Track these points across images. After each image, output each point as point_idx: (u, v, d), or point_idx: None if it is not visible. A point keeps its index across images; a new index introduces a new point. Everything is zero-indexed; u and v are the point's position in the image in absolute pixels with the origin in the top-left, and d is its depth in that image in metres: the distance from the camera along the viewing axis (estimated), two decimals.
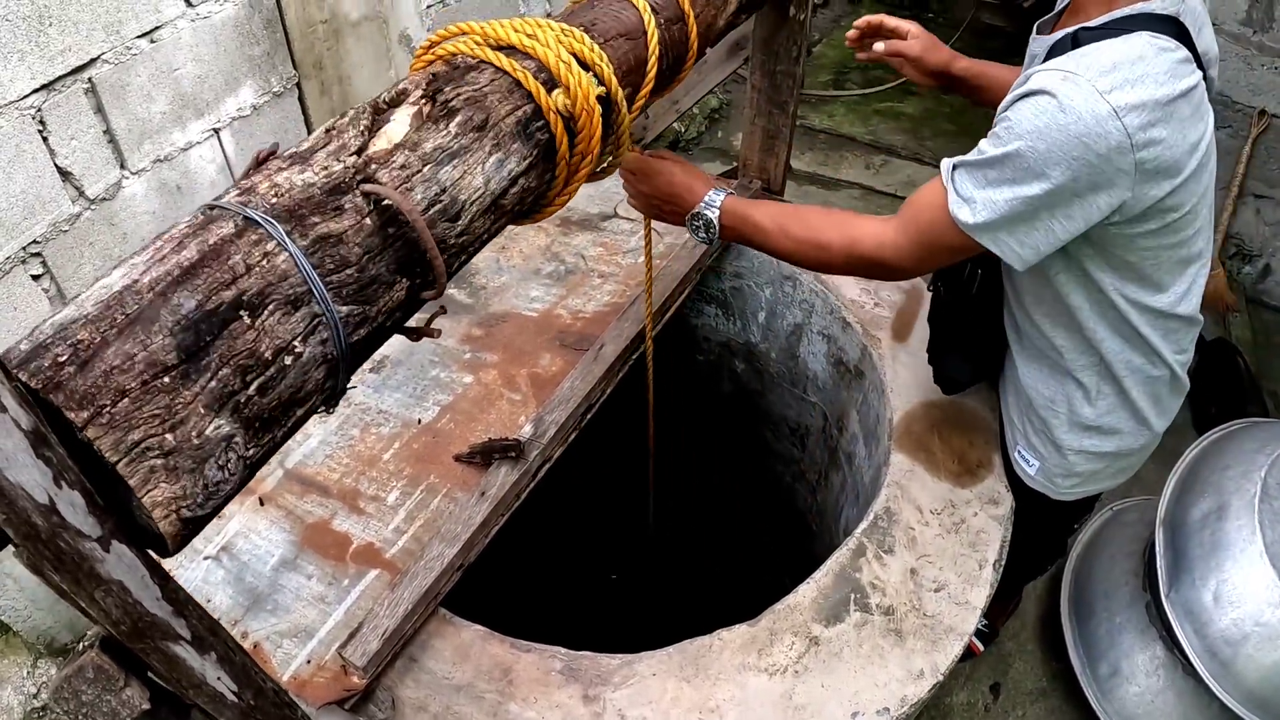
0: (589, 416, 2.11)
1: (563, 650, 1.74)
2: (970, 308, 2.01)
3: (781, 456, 3.22)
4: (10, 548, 0.78)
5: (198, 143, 2.75)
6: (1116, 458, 1.99)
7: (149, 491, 0.78)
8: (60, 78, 2.30)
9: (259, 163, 0.97)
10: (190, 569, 1.89)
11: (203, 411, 0.80)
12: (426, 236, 0.91)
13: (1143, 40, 1.45)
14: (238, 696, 0.99)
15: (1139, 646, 2.66)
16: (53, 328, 0.77)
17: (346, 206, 0.90)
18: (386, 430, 2.15)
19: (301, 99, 3.06)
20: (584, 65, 1.20)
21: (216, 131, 2.80)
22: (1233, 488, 2.47)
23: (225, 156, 2.86)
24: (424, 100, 1.04)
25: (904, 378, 2.33)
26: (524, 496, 1.94)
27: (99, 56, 2.38)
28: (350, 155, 0.95)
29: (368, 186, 0.91)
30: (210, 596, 1.85)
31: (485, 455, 1.97)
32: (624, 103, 1.24)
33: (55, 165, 2.36)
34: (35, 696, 2.76)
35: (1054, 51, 1.57)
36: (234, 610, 1.82)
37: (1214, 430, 2.77)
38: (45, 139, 2.32)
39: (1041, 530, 2.29)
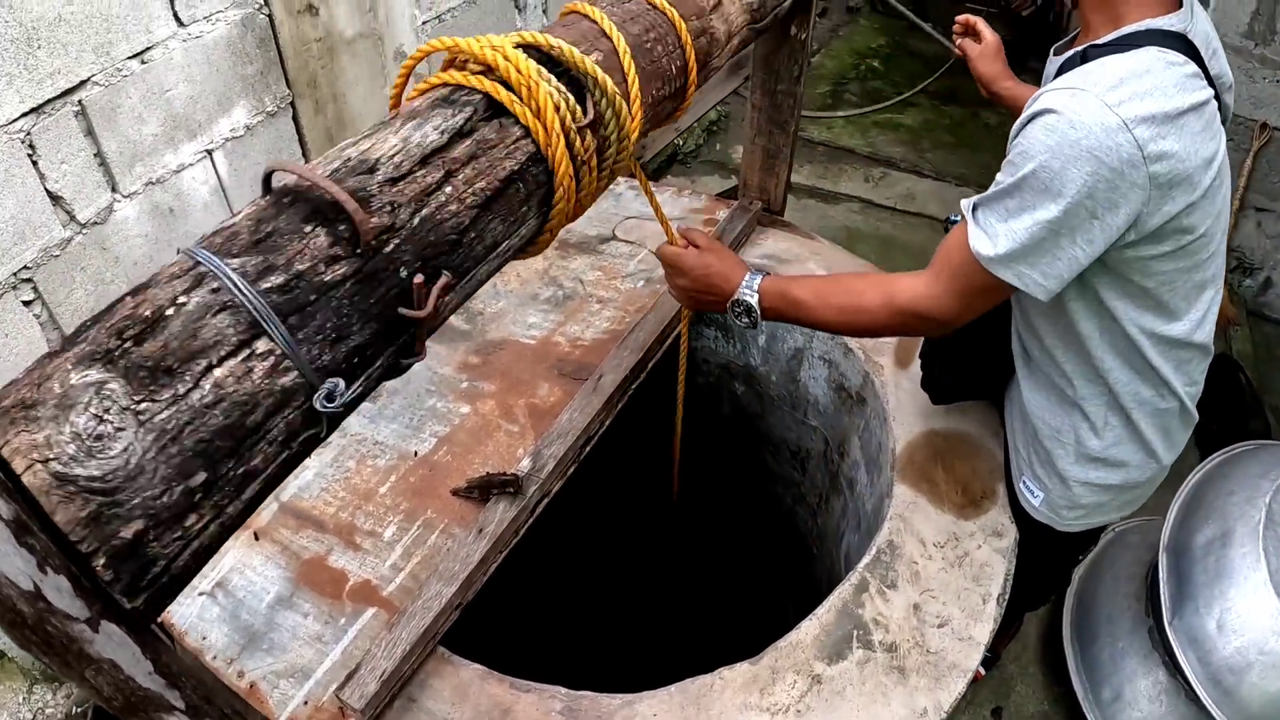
0: (588, 449, 2.08)
1: (563, 690, 1.72)
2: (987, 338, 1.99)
3: (782, 479, 3.20)
4: None
5: (190, 164, 2.73)
6: (1123, 490, 1.96)
7: (13, 439, 0.73)
8: (50, 100, 2.29)
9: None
10: (185, 605, 1.86)
11: (69, 367, 0.77)
12: (325, 182, 0.87)
13: (1150, 54, 1.44)
14: None
15: (1142, 672, 2.64)
16: None
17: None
18: (383, 462, 2.13)
19: (296, 118, 3.04)
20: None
21: (210, 153, 2.78)
22: (1237, 514, 2.45)
23: (219, 178, 2.84)
24: None
25: (907, 405, 2.30)
26: (522, 533, 1.92)
27: (89, 78, 2.36)
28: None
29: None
30: (206, 634, 1.82)
31: (483, 490, 1.94)
32: (601, 77, 1.19)
33: (45, 189, 2.35)
34: None
35: (1064, 69, 1.56)
36: (230, 649, 1.79)
37: (1218, 454, 2.75)
38: (35, 163, 2.30)
39: (1045, 561, 2.25)
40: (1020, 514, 2.09)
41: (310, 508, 2.04)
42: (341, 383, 0.86)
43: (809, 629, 1.82)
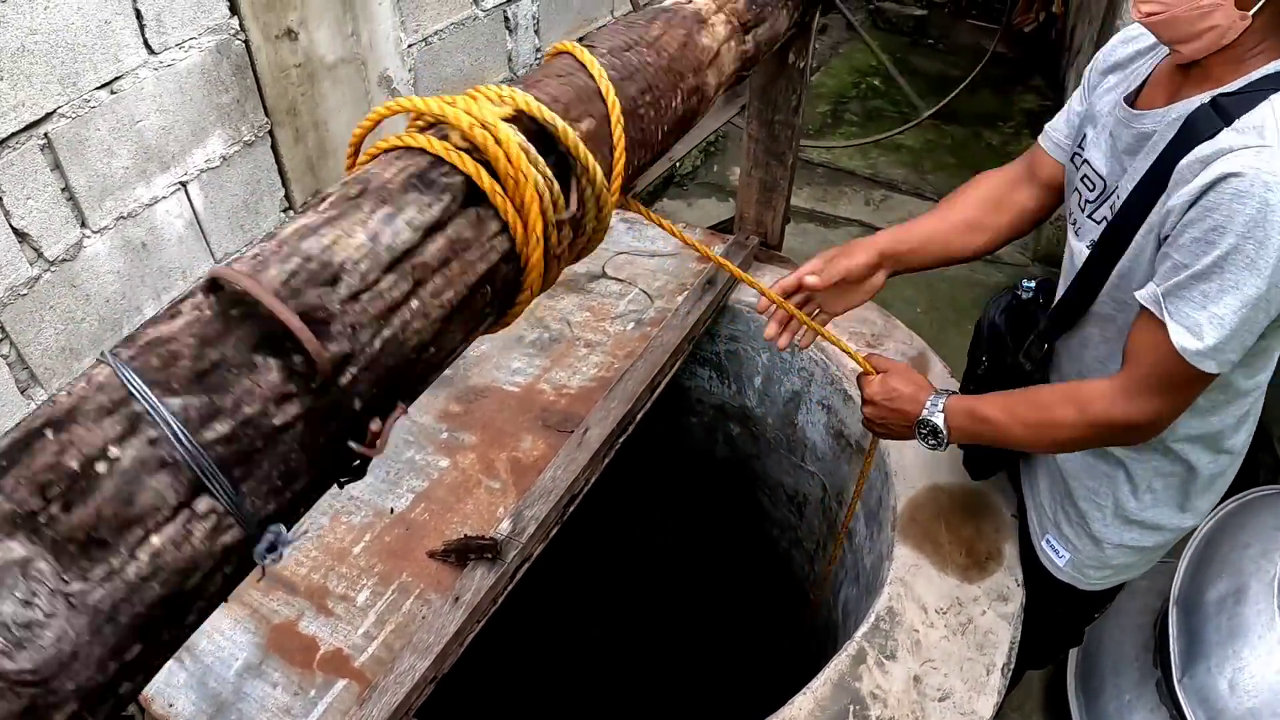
0: (572, 509, 1.99)
1: None
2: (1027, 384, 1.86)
3: (778, 522, 3.12)
4: None
5: (164, 197, 2.67)
6: (1154, 550, 1.89)
7: None
8: (13, 134, 2.23)
9: None
10: None
11: None
12: (279, 310, 0.77)
13: None
14: None
15: None
16: None
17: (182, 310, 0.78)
18: (357, 520, 2.04)
19: (275, 147, 2.98)
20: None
21: (184, 185, 2.72)
22: (1252, 568, 2.36)
23: (194, 210, 2.77)
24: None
25: (909, 458, 2.21)
26: (501, 601, 1.82)
27: (55, 110, 2.30)
28: None
29: (210, 276, 0.79)
30: (173, 700, 1.74)
31: (460, 554, 1.85)
32: (577, 145, 1.07)
33: (11, 226, 2.28)
34: None
35: (1196, 124, 1.42)
36: (197, 717, 1.71)
37: (1231, 500, 2.65)
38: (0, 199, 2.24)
39: (1061, 620, 2.19)
40: (1039, 572, 2.00)
41: (281, 568, 1.95)
42: (284, 529, 0.77)
43: (803, 704, 1.73)
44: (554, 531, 1.94)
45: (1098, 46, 1.91)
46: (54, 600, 0.67)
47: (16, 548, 0.66)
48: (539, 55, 4.12)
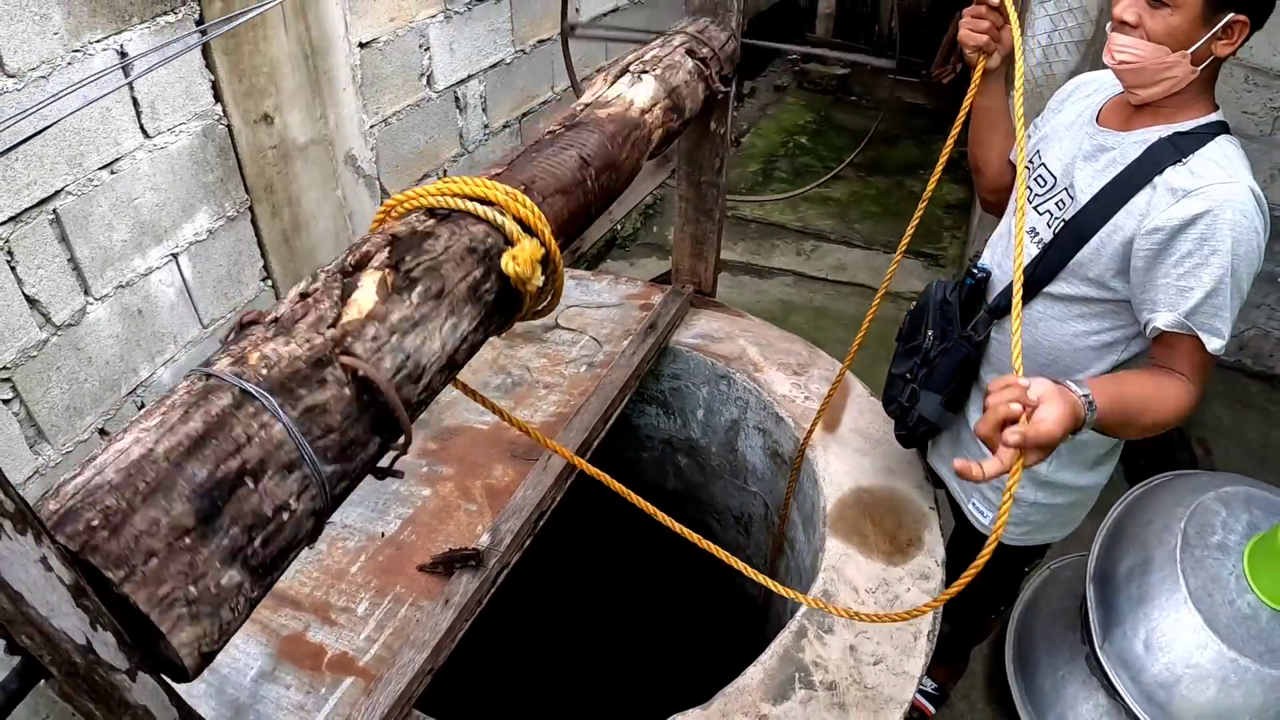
0: (541, 523, 2.25)
1: None
2: (973, 356, 2.21)
3: (728, 544, 3.33)
4: (42, 681, 0.91)
5: (158, 268, 2.85)
6: (1068, 510, 2.29)
7: (177, 635, 0.91)
8: (26, 210, 2.40)
9: (241, 327, 1.10)
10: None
11: (219, 566, 0.94)
12: (396, 403, 1.07)
13: (1232, 142, 1.83)
14: None
15: (1082, 696, 2.78)
16: (79, 491, 0.89)
17: (329, 379, 1.05)
18: (352, 544, 2.28)
19: (254, 221, 3.19)
20: (527, 229, 1.37)
21: (175, 256, 2.91)
22: (1155, 541, 2.59)
23: (184, 280, 2.97)
24: (388, 269, 1.20)
25: (835, 466, 2.50)
26: (485, 602, 2.07)
27: (62, 188, 2.48)
28: (328, 327, 1.10)
29: (346, 360, 1.07)
30: (195, 708, 1.94)
31: (447, 565, 2.10)
32: (559, 259, 1.41)
33: (23, 293, 2.45)
34: None
35: (1157, 153, 1.83)
36: None
37: (1136, 487, 2.92)
38: (13, 268, 2.41)
39: (993, 573, 2.45)
40: (968, 533, 2.41)
41: (287, 588, 2.18)
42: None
43: (754, 674, 1.99)
44: (527, 543, 2.20)
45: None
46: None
47: (235, 575, 0.97)
48: (487, 131, 4.42)
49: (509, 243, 1.34)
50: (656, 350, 2.82)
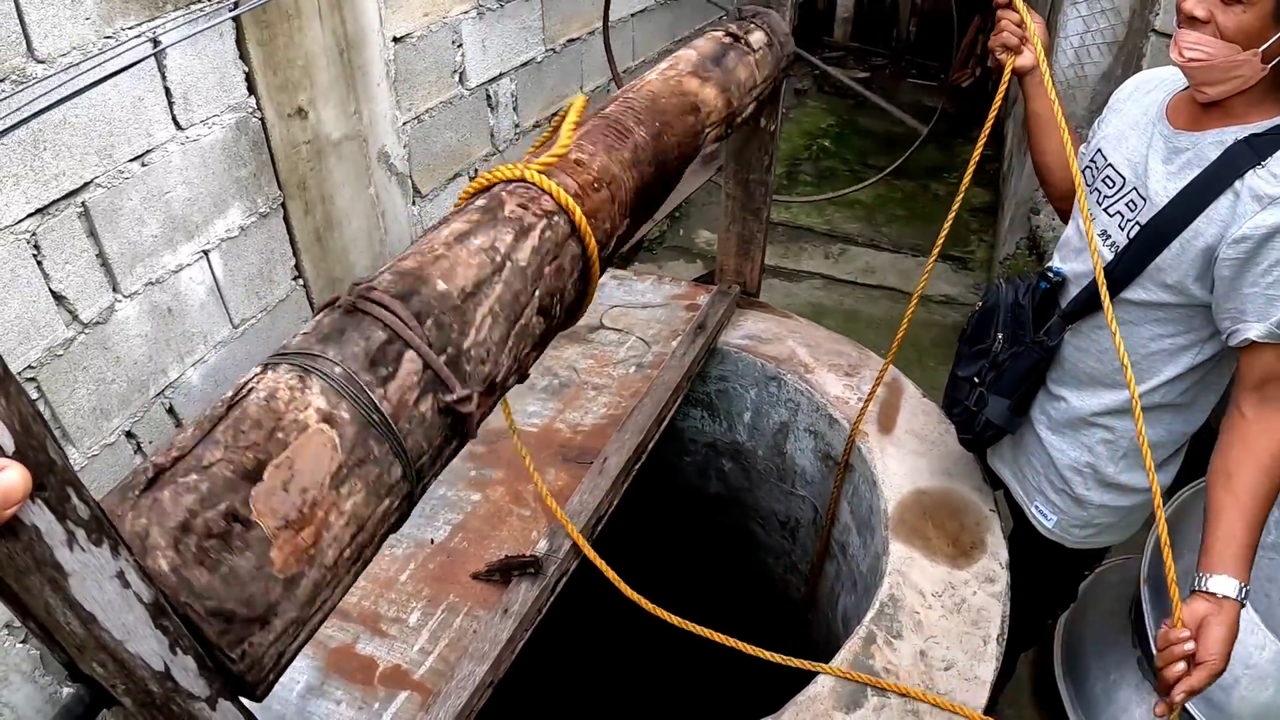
0: (599, 529, 2.19)
1: None
2: (1044, 361, 2.17)
3: (772, 549, 3.30)
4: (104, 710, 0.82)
5: (188, 265, 2.79)
6: (1130, 512, 2.22)
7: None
8: (54, 202, 2.33)
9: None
10: None
11: None
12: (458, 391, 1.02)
13: None
14: None
15: (1135, 700, 2.73)
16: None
17: None
18: (400, 551, 2.22)
19: (287, 218, 3.13)
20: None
21: (206, 253, 2.85)
22: (1199, 543, 2.57)
23: (215, 278, 2.91)
24: None
25: (893, 469, 2.43)
26: (545, 611, 2.01)
27: (92, 180, 2.41)
28: None
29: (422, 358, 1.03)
30: None
31: (504, 572, 2.04)
32: (599, 262, 1.36)
33: (50, 289, 2.38)
34: None
35: (1236, 157, 1.77)
36: None
37: (1185, 489, 2.88)
38: (40, 263, 2.34)
39: (1054, 574, 2.50)
40: (1030, 536, 2.33)
41: None
42: None
43: (825, 681, 1.92)
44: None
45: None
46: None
47: None
48: (518, 130, 4.37)
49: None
50: (706, 350, 2.76)
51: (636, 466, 2.35)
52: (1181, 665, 1.71)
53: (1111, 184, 2.01)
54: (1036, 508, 2.30)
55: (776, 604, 3.38)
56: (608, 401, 2.62)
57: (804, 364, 2.79)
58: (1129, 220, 1.94)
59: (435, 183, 3.88)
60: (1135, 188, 1.94)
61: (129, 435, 2.69)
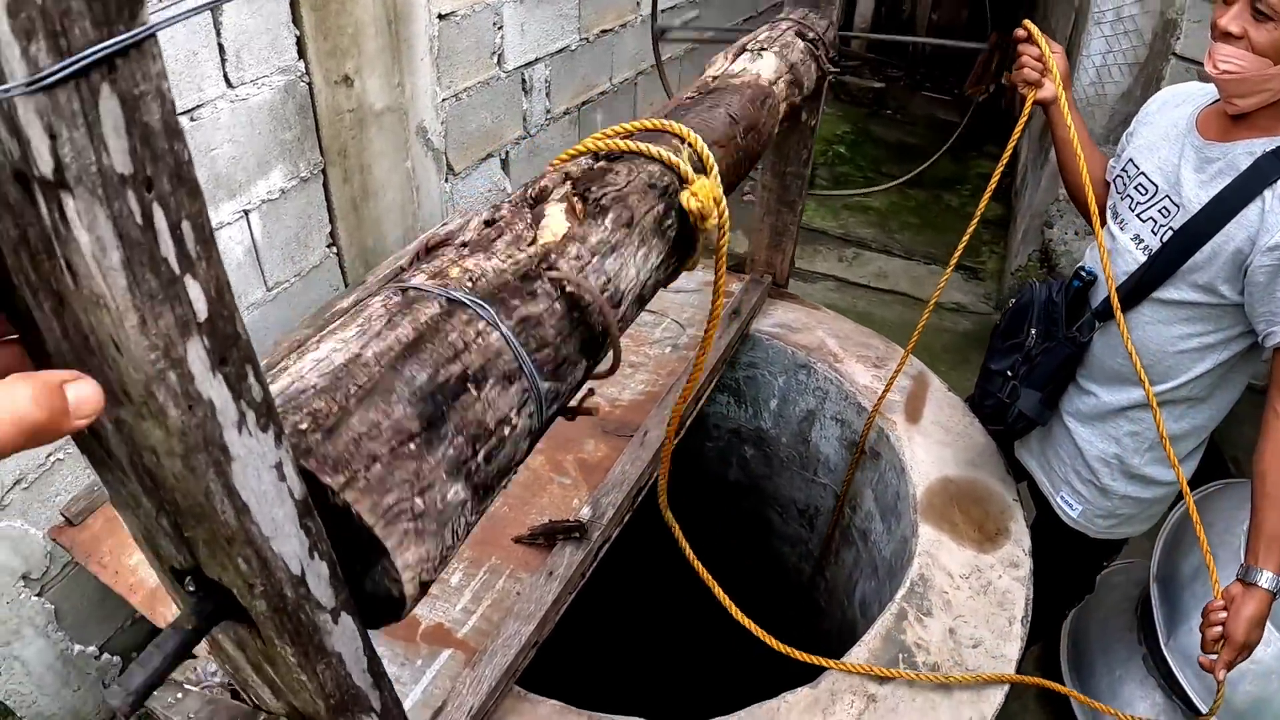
0: (640, 499, 2.24)
1: None
2: (1075, 356, 2.28)
3: (788, 538, 3.35)
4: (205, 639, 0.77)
5: (228, 223, 2.81)
6: (1151, 505, 2.35)
7: (402, 554, 0.81)
8: None
9: (428, 250, 1.06)
10: None
11: (444, 477, 0.85)
12: (610, 318, 1.04)
13: None
14: None
15: (1140, 695, 2.81)
16: (277, 398, 0.78)
17: (539, 292, 1.00)
18: None
19: (326, 185, 3.15)
20: (699, 169, 1.36)
21: (247, 213, 2.86)
22: (1218, 541, 2.62)
23: (253, 238, 2.92)
24: (574, 198, 1.18)
25: (920, 456, 2.49)
26: (587, 575, 2.06)
27: None
28: (528, 245, 1.07)
29: (554, 274, 1.04)
30: None
31: (548, 536, 2.08)
32: (724, 203, 1.39)
33: None
34: None
35: (1264, 167, 1.88)
36: None
37: (1194, 492, 2.95)
38: None
39: (1075, 564, 2.62)
40: (1053, 526, 2.45)
41: None
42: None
43: (859, 654, 1.98)
44: (626, 518, 2.19)
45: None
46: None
47: (460, 491, 0.87)
48: (549, 116, 4.42)
49: (683, 182, 1.32)
50: (739, 335, 2.81)
51: (677, 439, 2.40)
52: (1218, 630, 1.91)
53: (1144, 191, 2.12)
54: (1062, 497, 2.40)
55: (789, 592, 3.43)
56: (645, 379, 2.67)
57: (833, 354, 2.85)
58: (1162, 225, 2.05)
59: (468, 161, 3.92)
60: (1168, 195, 2.05)
61: None
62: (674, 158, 1.32)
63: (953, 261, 2.31)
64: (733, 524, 3.52)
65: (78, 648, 2.75)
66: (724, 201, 1.40)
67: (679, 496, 2.50)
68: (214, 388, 0.61)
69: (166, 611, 2.02)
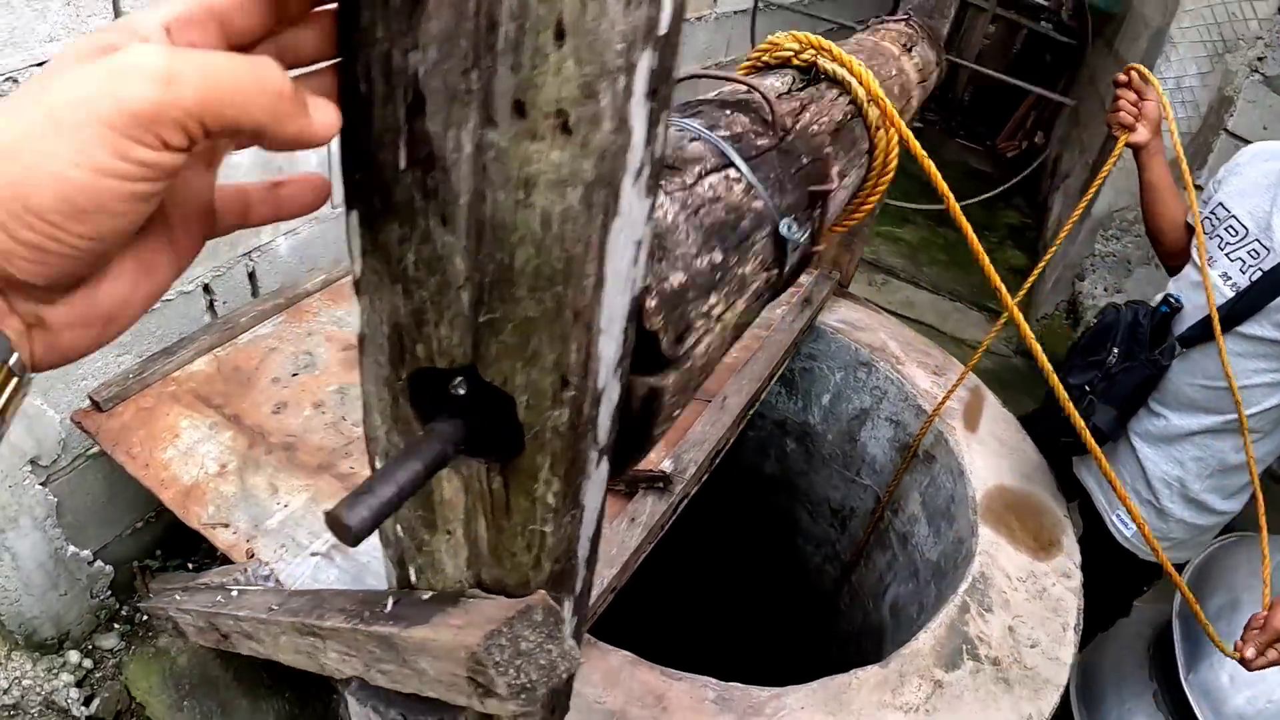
0: (717, 461, 2.27)
1: (713, 680, 1.82)
2: (1154, 377, 2.34)
3: (814, 537, 3.37)
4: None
5: None
6: (1201, 532, 2.44)
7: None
8: None
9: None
10: (294, 564, 1.82)
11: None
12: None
13: None
14: None
15: None
16: None
17: None
18: None
19: None
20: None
21: None
22: (1243, 584, 2.71)
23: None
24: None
25: (979, 463, 2.54)
26: (668, 526, 2.08)
27: None
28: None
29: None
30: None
31: (631, 485, 2.11)
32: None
33: None
34: (5, 692, 2.50)
35: None
36: None
37: (1214, 542, 3.02)
38: None
39: (1119, 584, 2.70)
40: (1104, 544, 2.54)
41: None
42: (794, 224, 0.95)
43: (925, 640, 2.02)
44: (704, 477, 2.22)
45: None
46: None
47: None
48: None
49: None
50: (809, 322, 2.86)
51: (751, 411, 2.44)
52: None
53: (1234, 233, 2.23)
54: (1118, 516, 2.48)
55: (808, 592, 3.46)
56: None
57: (895, 355, 2.90)
58: (1250, 265, 2.16)
59: None
60: (1258, 238, 2.16)
61: (206, 289, 2.67)
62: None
63: (1013, 305, 2.38)
64: (759, 519, 3.54)
65: (71, 549, 2.62)
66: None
67: (709, 486, 2.53)
68: (639, 118, 0.50)
69: (201, 510, 1.94)
